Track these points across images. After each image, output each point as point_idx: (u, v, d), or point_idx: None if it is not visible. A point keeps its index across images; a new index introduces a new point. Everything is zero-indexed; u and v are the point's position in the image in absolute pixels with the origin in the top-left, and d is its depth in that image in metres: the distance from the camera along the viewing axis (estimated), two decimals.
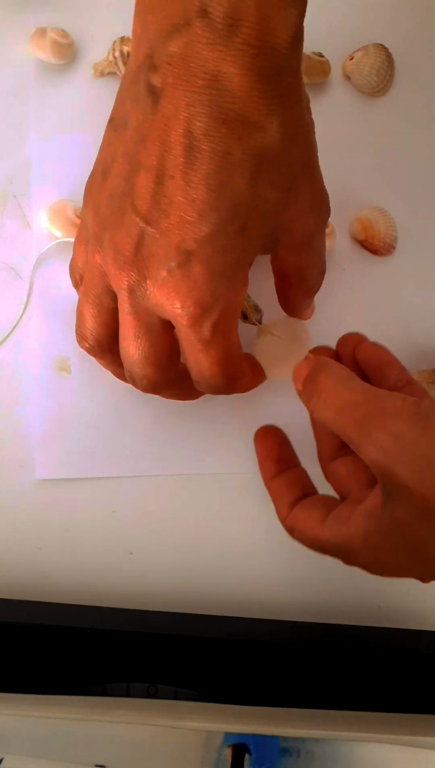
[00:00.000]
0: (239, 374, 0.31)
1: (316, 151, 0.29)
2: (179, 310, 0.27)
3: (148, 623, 0.36)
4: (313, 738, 0.31)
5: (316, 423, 0.35)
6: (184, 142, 0.25)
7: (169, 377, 0.31)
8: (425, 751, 0.31)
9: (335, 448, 0.34)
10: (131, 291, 0.28)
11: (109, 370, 0.35)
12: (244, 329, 0.38)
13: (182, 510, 0.39)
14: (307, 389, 0.32)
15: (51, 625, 0.35)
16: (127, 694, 0.34)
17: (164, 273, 0.27)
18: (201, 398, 0.39)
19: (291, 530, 0.33)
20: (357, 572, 0.40)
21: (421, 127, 0.42)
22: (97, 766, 0.30)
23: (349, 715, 0.34)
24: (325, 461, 0.35)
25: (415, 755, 0.31)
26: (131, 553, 0.39)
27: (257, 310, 0.37)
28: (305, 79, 0.40)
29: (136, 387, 0.32)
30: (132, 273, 0.27)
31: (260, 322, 0.37)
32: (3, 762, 0.30)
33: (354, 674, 0.36)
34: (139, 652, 0.35)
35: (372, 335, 0.39)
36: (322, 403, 0.31)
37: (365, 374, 0.34)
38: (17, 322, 0.39)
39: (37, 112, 0.40)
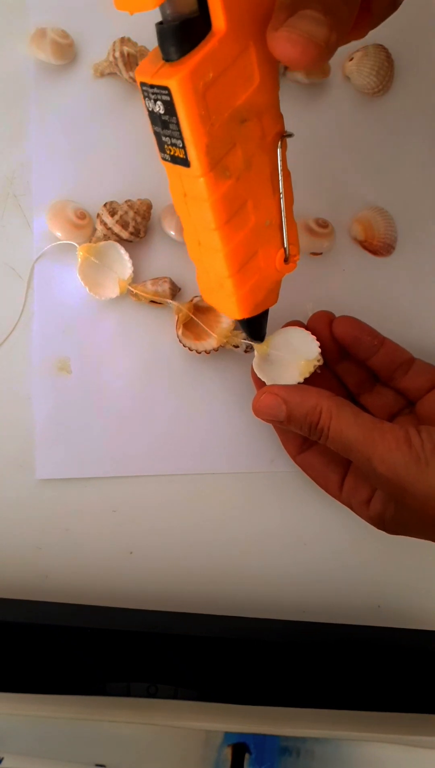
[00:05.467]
0: None
1: None
2: None
3: (148, 623, 0.36)
4: (313, 737, 0.31)
5: (278, 428, 0.38)
6: None
7: None
8: (425, 751, 0.31)
9: (299, 443, 0.37)
10: None
11: None
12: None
13: (182, 510, 0.39)
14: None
15: (51, 625, 0.35)
16: (128, 693, 0.34)
17: None
18: (201, 398, 0.39)
19: None
20: (357, 572, 0.40)
21: (421, 127, 0.42)
22: (97, 765, 0.30)
23: (349, 714, 0.34)
24: (293, 455, 0.38)
25: (414, 755, 0.31)
26: (131, 553, 0.39)
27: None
28: (305, 79, 0.40)
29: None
30: None
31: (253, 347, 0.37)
32: (3, 762, 0.30)
33: (354, 674, 0.36)
34: (139, 651, 0.35)
35: None
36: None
37: (343, 346, 0.37)
38: (17, 322, 0.39)
39: (37, 113, 0.40)
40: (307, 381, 0.36)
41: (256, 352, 0.37)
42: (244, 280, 0.30)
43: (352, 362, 0.37)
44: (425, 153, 0.42)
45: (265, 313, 0.33)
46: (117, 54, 0.38)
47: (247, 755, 0.30)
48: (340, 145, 0.42)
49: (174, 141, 0.25)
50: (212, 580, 0.39)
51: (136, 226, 0.38)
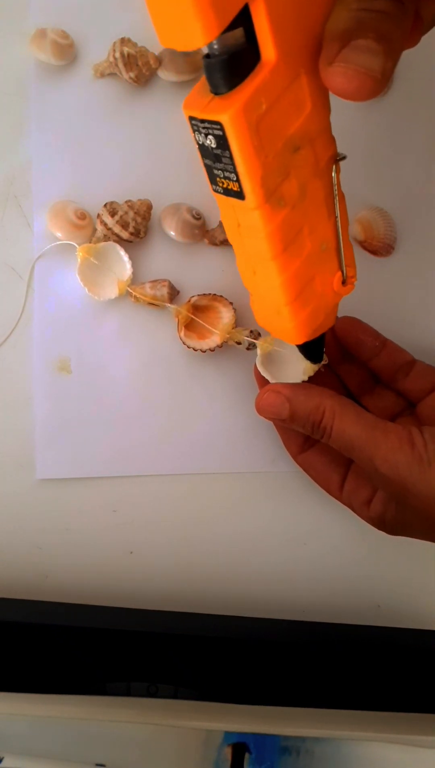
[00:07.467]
0: None
1: None
2: None
3: (148, 623, 0.36)
4: (313, 737, 0.31)
5: (279, 427, 0.38)
6: None
7: None
8: (425, 751, 0.31)
9: (301, 443, 0.37)
10: None
11: None
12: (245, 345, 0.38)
13: (182, 510, 0.39)
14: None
15: (51, 625, 0.35)
16: (128, 693, 0.34)
17: None
18: (201, 398, 0.39)
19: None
20: (357, 572, 0.40)
21: (421, 127, 0.42)
22: (97, 765, 0.30)
23: (349, 714, 0.34)
24: (294, 455, 0.38)
25: (414, 754, 0.31)
26: (131, 553, 0.39)
27: (251, 332, 0.38)
28: None
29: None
30: None
31: (257, 339, 0.37)
32: (3, 761, 0.30)
33: (353, 673, 0.36)
34: (139, 651, 0.35)
35: None
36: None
37: (345, 347, 0.37)
38: (17, 322, 0.39)
39: (37, 113, 0.40)
40: (310, 381, 0.36)
41: (259, 350, 0.37)
42: (302, 306, 0.29)
43: (353, 363, 0.37)
44: (425, 153, 0.42)
45: (323, 335, 0.33)
46: (117, 54, 0.38)
47: (247, 755, 0.30)
48: (339, 146, 0.41)
49: (227, 174, 0.24)
50: (212, 579, 0.39)
51: (136, 227, 0.38)
